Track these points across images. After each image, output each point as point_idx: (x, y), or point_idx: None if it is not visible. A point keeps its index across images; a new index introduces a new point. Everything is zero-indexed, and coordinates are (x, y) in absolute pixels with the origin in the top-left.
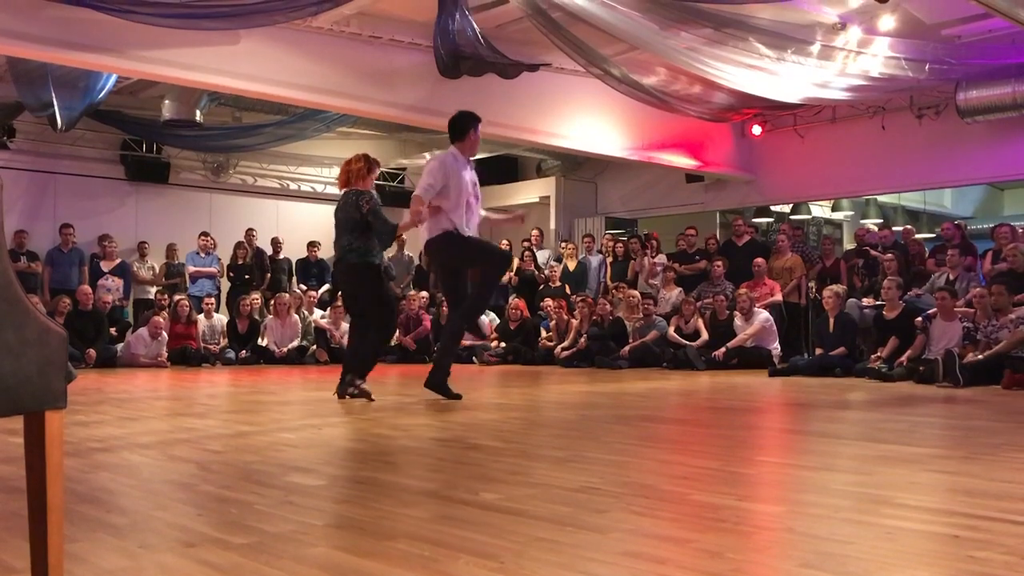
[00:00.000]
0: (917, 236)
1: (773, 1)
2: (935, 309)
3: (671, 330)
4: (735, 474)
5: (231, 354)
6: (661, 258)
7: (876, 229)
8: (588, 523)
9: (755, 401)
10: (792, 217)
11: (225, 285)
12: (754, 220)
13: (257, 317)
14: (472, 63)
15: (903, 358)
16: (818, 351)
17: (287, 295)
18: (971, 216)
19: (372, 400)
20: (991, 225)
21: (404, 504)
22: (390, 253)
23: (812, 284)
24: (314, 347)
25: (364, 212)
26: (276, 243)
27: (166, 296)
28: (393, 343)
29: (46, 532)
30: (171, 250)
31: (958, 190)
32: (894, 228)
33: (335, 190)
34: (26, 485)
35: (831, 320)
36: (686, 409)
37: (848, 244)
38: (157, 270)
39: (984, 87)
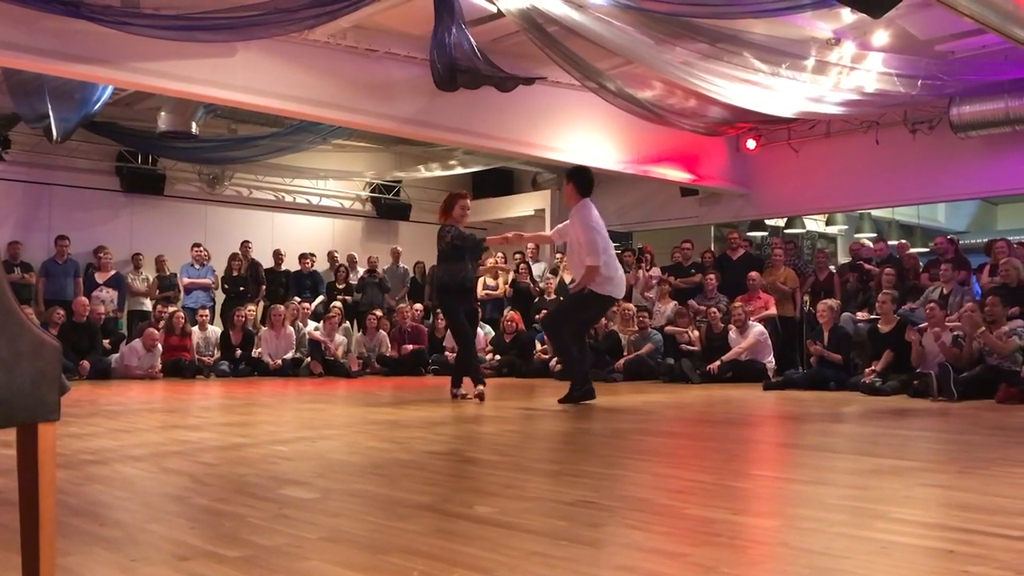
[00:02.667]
0: (911, 250)
1: (768, 16)
2: (926, 323)
3: (667, 329)
4: (730, 488)
5: (225, 366)
6: (655, 271)
7: (870, 243)
8: (583, 537)
9: (750, 414)
10: (786, 231)
11: (220, 297)
12: (748, 234)
13: (251, 329)
14: (468, 76)
15: (884, 365)
16: (814, 350)
17: (282, 306)
18: (965, 231)
19: (458, 398)
20: (985, 239)
21: (398, 517)
22: (385, 265)
23: (806, 298)
24: (308, 359)
25: (446, 243)
26: (278, 255)
27: (167, 308)
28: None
29: (38, 545)
30: (160, 262)
31: (952, 205)
32: (888, 242)
33: (330, 202)
34: (18, 498)
35: (825, 334)
36: (681, 422)
37: (842, 258)
38: (151, 281)
39: (977, 103)
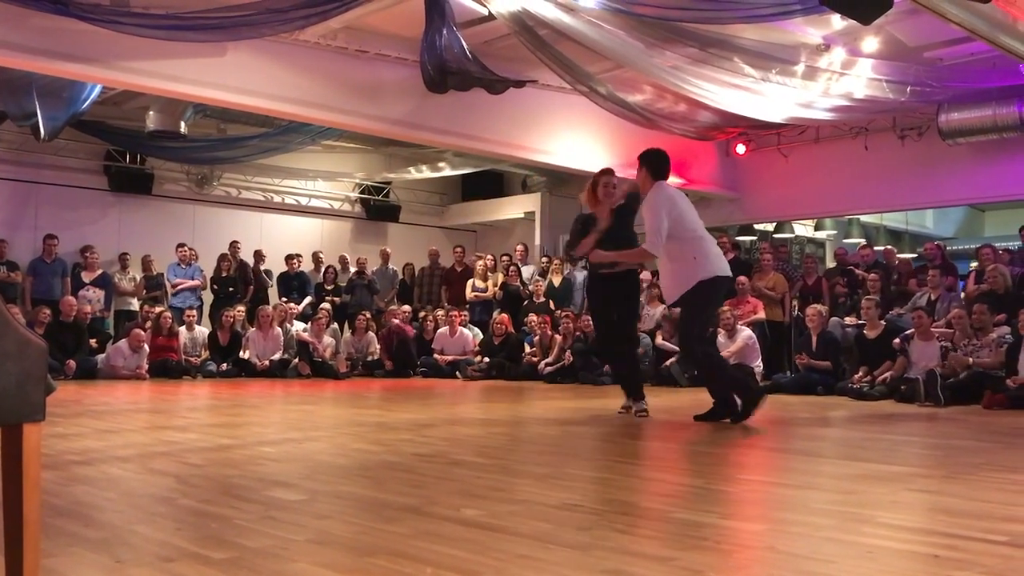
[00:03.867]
0: (900, 256)
1: (758, 21)
2: (913, 329)
3: (659, 339)
4: (717, 492)
5: (212, 367)
6: (645, 275)
7: (860, 245)
8: (570, 540)
9: None
10: (775, 236)
11: (208, 297)
12: (737, 238)
13: (240, 330)
14: (459, 78)
15: (883, 375)
16: (801, 362)
17: (270, 307)
18: (953, 237)
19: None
20: (973, 246)
21: (385, 520)
22: (374, 267)
23: (795, 302)
24: (296, 360)
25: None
26: (259, 255)
27: (154, 309)
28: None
29: (22, 546)
30: (146, 262)
31: (940, 211)
32: (876, 248)
33: (319, 203)
34: (2, 498)
35: (814, 338)
36: (669, 426)
37: (830, 263)
38: (138, 281)
39: (966, 110)
